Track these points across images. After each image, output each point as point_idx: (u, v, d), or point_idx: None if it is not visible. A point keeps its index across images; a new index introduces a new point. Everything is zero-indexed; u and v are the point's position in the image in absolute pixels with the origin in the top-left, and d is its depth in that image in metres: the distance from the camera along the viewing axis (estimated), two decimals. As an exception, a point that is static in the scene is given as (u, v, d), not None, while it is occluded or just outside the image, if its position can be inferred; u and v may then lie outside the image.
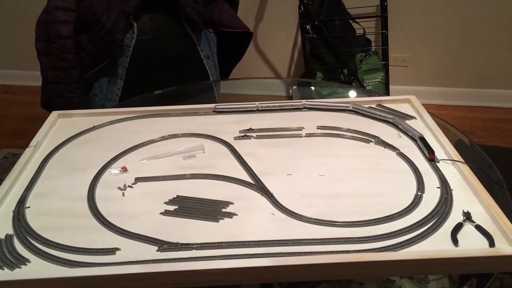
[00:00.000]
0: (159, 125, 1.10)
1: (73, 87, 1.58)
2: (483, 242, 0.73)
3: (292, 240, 0.74)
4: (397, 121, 0.99)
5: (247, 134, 1.05)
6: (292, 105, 1.13)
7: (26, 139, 1.05)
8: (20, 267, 0.71)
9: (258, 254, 0.72)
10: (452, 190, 0.84)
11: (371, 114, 1.07)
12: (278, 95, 2.03)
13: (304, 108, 1.12)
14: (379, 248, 0.72)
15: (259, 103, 1.12)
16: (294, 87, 1.97)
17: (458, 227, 0.75)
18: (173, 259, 0.72)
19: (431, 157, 0.91)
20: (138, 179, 0.91)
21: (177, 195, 0.86)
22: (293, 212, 0.80)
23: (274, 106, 1.12)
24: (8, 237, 0.77)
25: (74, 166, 0.96)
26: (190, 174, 0.92)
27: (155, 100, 1.45)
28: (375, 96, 1.32)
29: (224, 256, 0.72)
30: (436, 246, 0.72)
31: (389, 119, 1.03)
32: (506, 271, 0.74)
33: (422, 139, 0.96)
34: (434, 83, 2.66)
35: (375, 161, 0.94)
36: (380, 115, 1.05)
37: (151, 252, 0.73)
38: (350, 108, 1.11)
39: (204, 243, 0.74)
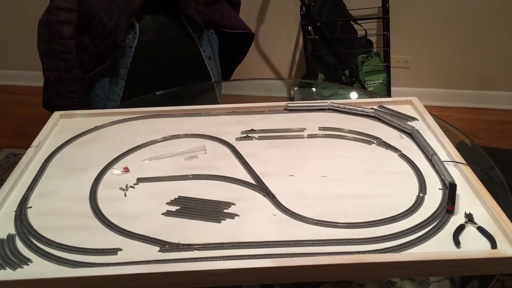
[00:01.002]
0: (161, 126, 1.10)
1: (74, 87, 1.58)
2: (485, 243, 0.73)
3: (294, 241, 0.74)
4: (436, 160, 0.91)
5: (249, 135, 1.05)
6: (363, 111, 1.08)
7: (28, 139, 1.05)
8: (22, 267, 0.71)
9: (260, 255, 0.72)
10: (454, 191, 0.84)
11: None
12: (280, 96, 2.03)
13: (375, 116, 1.09)
14: (380, 249, 0.72)
15: (331, 102, 1.09)
16: (296, 88, 1.96)
17: (460, 229, 0.75)
18: (175, 259, 0.72)
19: (449, 208, 0.79)
20: (140, 180, 0.91)
21: (179, 196, 0.86)
22: (295, 213, 0.80)
23: (344, 107, 1.09)
24: (10, 237, 0.77)
25: (76, 167, 0.96)
26: (192, 175, 0.92)
27: (156, 101, 1.45)
28: (376, 97, 1.32)
29: (225, 256, 0.72)
30: (438, 247, 0.72)
31: (430, 156, 0.93)
32: (508, 273, 0.74)
33: (452, 186, 0.81)
34: (436, 85, 2.66)
35: (377, 162, 0.94)
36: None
37: (153, 253, 0.73)
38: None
39: (206, 244, 0.74)
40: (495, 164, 1.03)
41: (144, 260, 0.72)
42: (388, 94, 2.38)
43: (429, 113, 1.09)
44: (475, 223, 0.76)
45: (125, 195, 0.87)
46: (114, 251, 0.74)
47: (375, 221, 0.78)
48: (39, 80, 1.67)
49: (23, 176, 0.93)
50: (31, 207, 0.84)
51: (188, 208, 0.83)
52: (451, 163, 0.91)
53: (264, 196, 0.85)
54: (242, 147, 1.01)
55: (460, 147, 1.00)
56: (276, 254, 0.72)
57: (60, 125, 1.12)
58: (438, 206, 0.81)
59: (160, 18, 1.66)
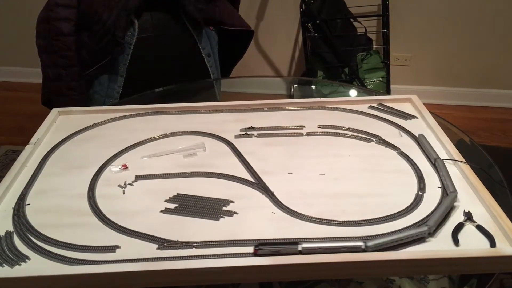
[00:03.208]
0: (160, 123, 1.10)
1: (73, 84, 1.58)
2: (484, 242, 0.72)
3: (293, 239, 0.74)
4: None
5: (248, 132, 1.05)
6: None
7: (26, 136, 1.05)
8: (20, 264, 0.71)
9: (259, 253, 0.72)
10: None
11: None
12: (279, 93, 2.03)
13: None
14: (379, 247, 0.72)
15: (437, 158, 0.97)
16: (295, 85, 1.96)
17: (459, 227, 0.75)
18: (173, 257, 0.72)
19: (255, 252, 0.71)
20: (138, 177, 0.91)
21: (177, 193, 0.86)
22: (294, 211, 0.80)
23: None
24: (8, 234, 0.77)
25: (74, 164, 0.96)
26: (191, 172, 0.92)
27: (155, 98, 1.45)
28: (376, 95, 1.32)
29: (224, 254, 0.72)
30: (437, 246, 0.72)
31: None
32: (507, 272, 0.74)
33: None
34: (435, 83, 2.66)
35: (376, 160, 0.94)
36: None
37: (151, 250, 0.73)
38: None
39: (204, 242, 0.74)
40: (494, 163, 1.03)
41: (142, 257, 0.71)
42: (388, 92, 2.38)
43: (429, 111, 1.09)
44: (474, 222, 0.76)
45: (124, 193, 0.87)
46: (112, 249, 0.73)
47: (374, 219, 0.78)
48: (38, 77, 1.67)
49: (21, 173, 0.93)
50: (29, 204, 0.84)
51: (186, 205, 0.82)
52: (450, 161, 0.91)
53: (263, 194, 0.85)
54: (241, 144, 1.00)
55: (459, 145, 1.00)
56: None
57: (59, 122, 1.11)
58: (437, 204, 0.81)
59: (160, 15, 1.66)
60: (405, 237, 0.72)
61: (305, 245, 0.71)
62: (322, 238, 0.74)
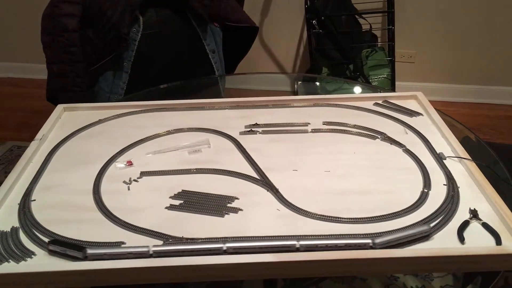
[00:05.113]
0: (165, 119, 1.10)
1: (78, 80, 1.58)
2: (490, 240, 0.72)
3: (297, 236, 0.74)
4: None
5: (253, 129, 1.05)
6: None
7: (31, 132, 1.05)
8: (25, 260, 0.72)
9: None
10: (459, 187, 0.84)
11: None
12: (283, 90, 2.02)
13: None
14: (384, 245, 0.72)
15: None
16: (300, 82, 1.96)
17: (464, 225, 0.75)
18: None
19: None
20: (143, 173, 0.91)
21: (182, 190, 0.86)
22: (298, 208, 0.80)
23: None
24: (14, 230, 0.77)
25: (79, 160, 0.96)
26: (196, 169, 0.92)
27: (160, 94, 1.45)
28: (381, 92, 1.31)
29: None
30: (442, 243, 0.72)
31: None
32: (512, 269, 0.73)
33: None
34: (441, 80, 2.65)
35: (381, 157, 0.94)
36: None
37: (156, 247, 0.73)
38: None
39: (209, 238, 0.74)
40: (500, 160, 1.02)
41: (147, 253, 0.72)
42: (393, 89, 2.37)
43: (434, 108, 1.09)
44: (480, 219, 0.76)
45: (129, 189, 0.87)
46: (117, 245, 0.74)
47: (378, 216, 0.77)
48: (43, 73, 1.67)
49: (27, 169, 0.93)
50: (34, 200, 0.84)
51: (191, 202, 0.83)
52: (455, 158, 0.91)
53: (267, 190, 0.85)
54: (246, 141, 1.00)
55: (465, 142, 1.00)
56: (279, 249, 0.72)
57: (64, 118, 1.12)
58: (443, 202, 0.80)
59: (164, 11, 1.66)
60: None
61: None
62: (328, 235, 0.74)
